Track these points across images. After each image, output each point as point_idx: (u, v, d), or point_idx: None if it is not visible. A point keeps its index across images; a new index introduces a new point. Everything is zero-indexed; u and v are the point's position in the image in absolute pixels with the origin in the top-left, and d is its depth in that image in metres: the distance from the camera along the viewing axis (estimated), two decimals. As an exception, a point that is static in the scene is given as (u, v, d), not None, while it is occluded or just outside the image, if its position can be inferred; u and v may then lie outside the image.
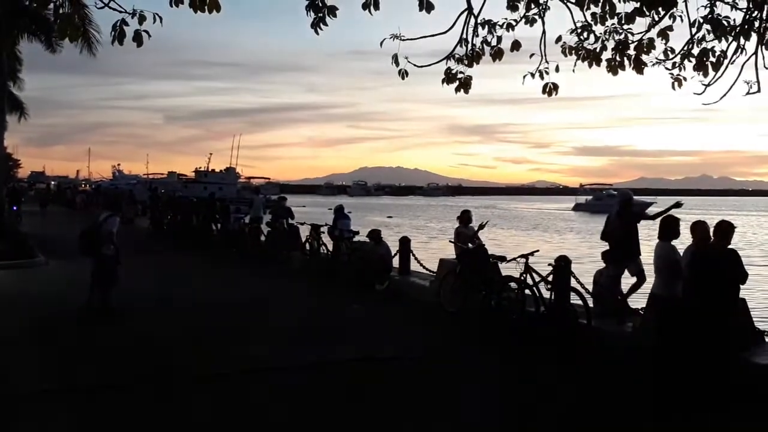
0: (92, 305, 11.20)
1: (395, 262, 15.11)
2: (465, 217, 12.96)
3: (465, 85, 7.62)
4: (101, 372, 8.02)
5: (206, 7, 5.96)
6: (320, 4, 5.92)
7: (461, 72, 7.54)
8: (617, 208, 10.73)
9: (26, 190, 63.97)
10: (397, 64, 7.63)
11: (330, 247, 16.98)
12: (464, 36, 7.24)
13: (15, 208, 31.32)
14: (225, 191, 76.48)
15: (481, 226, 12.87)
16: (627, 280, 10.41)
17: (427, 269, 14.59)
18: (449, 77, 7.70)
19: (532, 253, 10.87)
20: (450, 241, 13.07)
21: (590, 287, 10.31)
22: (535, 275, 10.59)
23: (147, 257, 19.06)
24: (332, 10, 5.92)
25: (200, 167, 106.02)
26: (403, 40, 7.82)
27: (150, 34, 5.73)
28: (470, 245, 12.45)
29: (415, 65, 7.73)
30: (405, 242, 15.22)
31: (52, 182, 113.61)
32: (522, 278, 10.72)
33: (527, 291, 10.63)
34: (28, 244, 19.00)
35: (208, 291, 14.30)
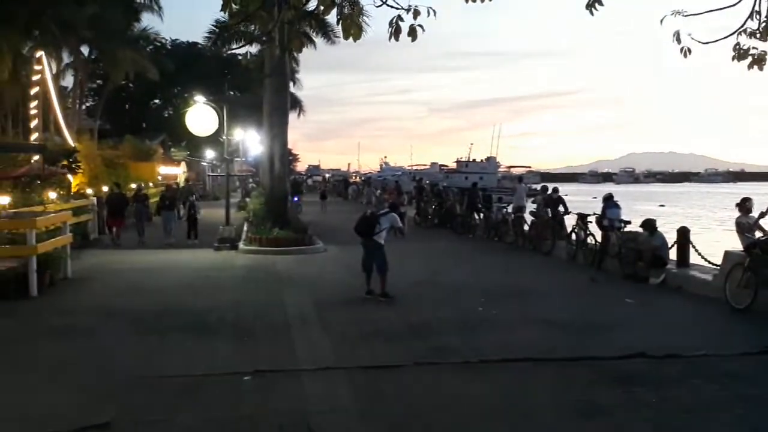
0: (371, 290, 11.95)
1: (672, 253, 14.13)
2: (744, 205, 11.84)
3: (759, 61, 6.86)
4: (376, 352, 8.41)
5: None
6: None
7: (754, 48, 6.80)
8: None
9: (304, 182, 69.50)
10: (678, 41, 7.08)
11: (598, 238, 16.30)
12: (756, 8, 6.52)
13: (296, 199, 34.19)
14: (485, 180, 77.23)
15: (762, 215, 11.62)
16: None
17: (709, 262, 13.44)
18: (740, 54, 6.98)
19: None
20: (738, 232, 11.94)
21: None
22: None
23: (414, 245, 19.71)
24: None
25: (461, 157, 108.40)
26: (686, 15, 7.24)
27: (424, 28, 5.83)
28: (753, 235, 11.34)
29: (699, 42, 7.11)
30: (683, 232, 14.13)
31: (327, 174, 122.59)
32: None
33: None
34: (309, 233, 20.55)
35: (472, 278, 14.45)
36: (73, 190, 26.10)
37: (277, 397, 6.71)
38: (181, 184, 30.20)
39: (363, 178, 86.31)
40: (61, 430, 5.81)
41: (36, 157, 25.47)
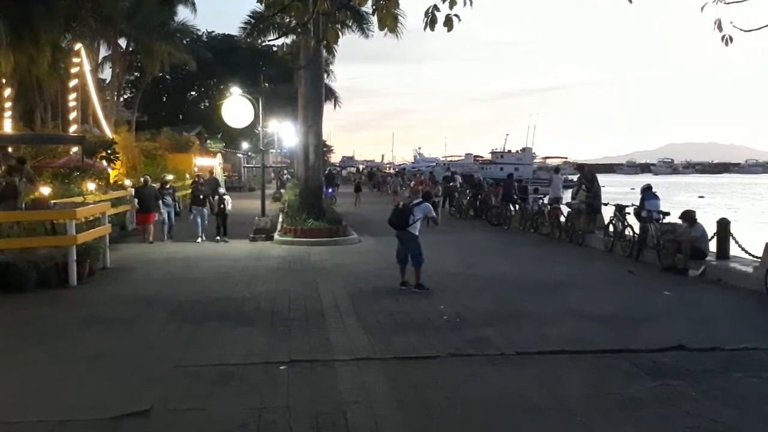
0: (406, 282, 11.98)
1: (711, 245, 13.90)
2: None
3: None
4: (410, 343, 8.40)
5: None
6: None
7: (797, 34, 6.69)
8: None
9: (339, 174, 69.67)
10: (720, 29, 6.98)
11: (636, 229, 16.09)
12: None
13: (330, 191, 34.28)
14: (521, 171, 76.94)
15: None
16: None
17: (749, 254, 13.21)
18: (780, 40, 6.87)
19: None
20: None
21: None
22: None
23: (449, 236, 19.70)
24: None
25: (496, 148, 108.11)
26: (727, 3, 7.15)
27: (460, 18, 5.79)
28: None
29: (741, 29, 7.00)
30: (723, 224, 13.89)
31: (361, 166, 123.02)
32: None
33: None
34: (344, 224, 20.59)
35: (508, 269, 14.39)
36: (111, 181, 26.52)
37: (312, 386, 6.75)
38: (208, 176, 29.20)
39: (396, 169, 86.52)
40: (101, 417, 5.91)
41: (75, 149, 25.96)
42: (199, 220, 19.51)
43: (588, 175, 19.56)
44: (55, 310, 10.45)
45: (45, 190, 16.60)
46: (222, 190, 21.10)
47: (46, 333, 9.09)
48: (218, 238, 19.36)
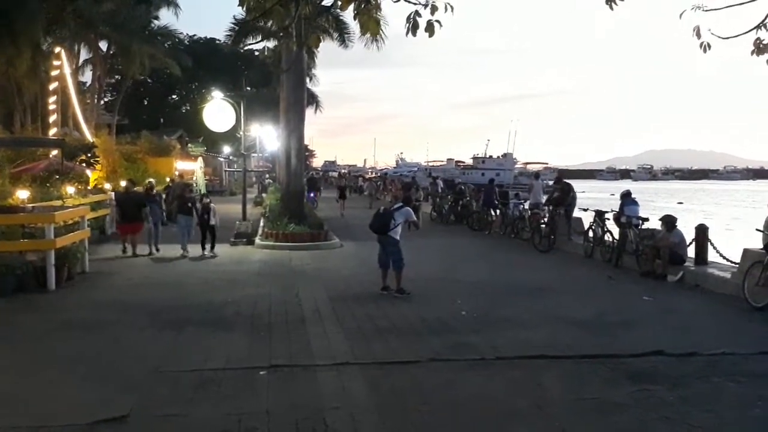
0: (387, 286, 12.00)
1: (690, 251, 14.02)
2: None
3: (779, 55, 6.84)
4: (391, 348, 8.40)
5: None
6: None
7: (774, 42, 6.78)
8: None
9: (321, 179, 69.44)
10: (698, 36, 7.05)
11: (615, 235, 16.20)
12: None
13: (312, 195, 34.15)
14: (502, 177, 77.38)
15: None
16: None
17: (727, 259, 13.34)
18: (759, 48, 6.97)
19: None
20: (757, 230, 11.82)
21: None
22: None
23: (430, 241, 19.71)
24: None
25: (478, 153, 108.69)
26: (706, 10, 7.22)
27: (441, 23, 5.80)
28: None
29: (719, 37, 7.08)
30: (702, 230, 14.03)
31: (343, 170, 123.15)
32: None
33: None
34: (325, 228, 20.55)
35: (489, 275, 14.43)
36: (91, 184, 26.31)
37: (292, 392, 6.72)
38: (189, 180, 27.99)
39: (379, 174, 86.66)
40: (79, 422, 5.85)
41: (55, 152, 25.74)
42: (184, 230, 17.42)
43: (566, 186, 19.93)
44: (33, 314, 10.35)
45: (23, 194, 16.43)
46: (207, 200, 18.70)
47: (24, 337, 9.00)
48: (204, 252, 17.22)
